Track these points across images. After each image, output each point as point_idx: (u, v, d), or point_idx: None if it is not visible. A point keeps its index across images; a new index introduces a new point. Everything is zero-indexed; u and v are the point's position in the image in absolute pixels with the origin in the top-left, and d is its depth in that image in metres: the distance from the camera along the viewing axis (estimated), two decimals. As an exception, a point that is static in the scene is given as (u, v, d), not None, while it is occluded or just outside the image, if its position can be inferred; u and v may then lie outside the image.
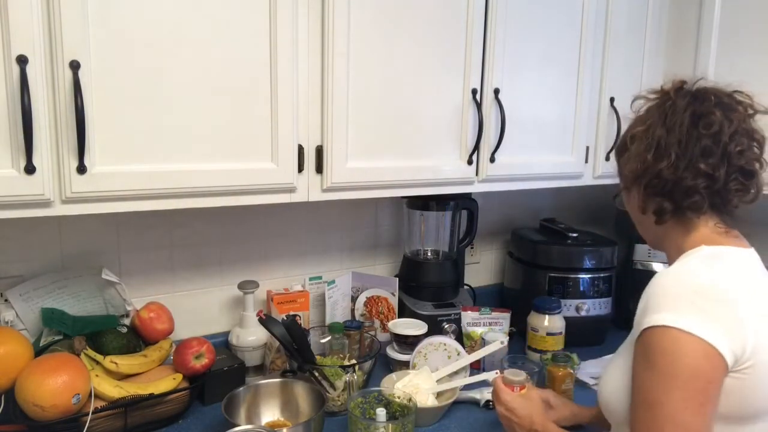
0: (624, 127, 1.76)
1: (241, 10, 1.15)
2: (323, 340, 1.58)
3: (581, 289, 1.83)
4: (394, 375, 1.46)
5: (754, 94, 0.99)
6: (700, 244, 0.96)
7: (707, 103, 0.95)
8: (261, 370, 1.54)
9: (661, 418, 0.85)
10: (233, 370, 1.44)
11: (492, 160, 1.56)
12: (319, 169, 1.31)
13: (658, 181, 0.96)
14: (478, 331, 1.70)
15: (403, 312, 1.77)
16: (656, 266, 1.95)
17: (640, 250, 1.97)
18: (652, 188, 0.98)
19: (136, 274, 1.49)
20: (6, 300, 1.30)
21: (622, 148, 1.07)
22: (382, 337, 1.71)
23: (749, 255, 0.98)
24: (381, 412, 1.22)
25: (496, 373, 1.45)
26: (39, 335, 1.31)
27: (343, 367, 1.38)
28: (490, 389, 1.44)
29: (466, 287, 1.98)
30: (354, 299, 1.79)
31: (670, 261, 1.03)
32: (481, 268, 2.17)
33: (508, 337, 1.53)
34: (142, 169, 1.09)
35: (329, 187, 1.32)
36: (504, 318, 1.72)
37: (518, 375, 1.21)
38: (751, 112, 0.97)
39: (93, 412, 1.15)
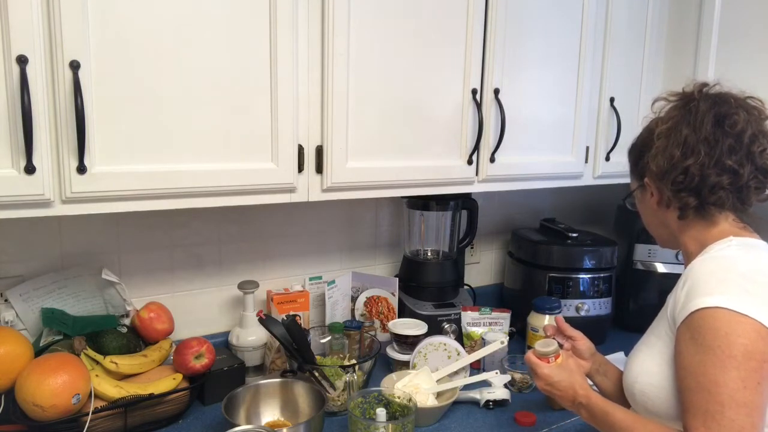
0: (624, 128, 1.78)
1: (241, 10, 1.15)
2: (323, 340, 1.58)
3: (581, 289, 1.82)
4: (394, 375, 1.46)
5: (764, 100, 1.04)
6: (727, 236, 1.00)
7: (728, 105, 1.01)
8: (261, 370, 1.55)
9: (720, 398, 0.85)
10: (233, 370, 1.44)
11: (492, 160, 1.56)
12: (319, 169, 1.31)
13: (685, 177, 1.00)
14: (478, 331, 1.70)
15: (403, 312, 1.77)
16: (657, 266, 1.95)
17: (640, 250, 1.97)
18: (678, 184, 1.01)
19: (136, 274, 1.49)
20: (6, 300, 1.30)
21: (643, 146, 1.10)
22: (382, 337, 1.71)
23: None
24: (381, 412, 1.22)
25: (498, 371, 1.46)
26: (39, 335, 1.31)
27: (343, 367, 1.38)
28: (491, 389, 1.45)
29: (466, 287, 1.98)
30: (354, 299, 1.79)
31: (687, 255, 1.07)
32: (481, 268, 2.17)
33: (508, 337, 1.53)
34: (142, 169, 1.09)
35: (329, 187, 1.32)
36: (504, 318, 1.72)
37: (549, 345, 1.15)
38: (763, 117, 1.02)
39: (93, 412, 1.15)
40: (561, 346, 1.21)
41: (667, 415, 0.97)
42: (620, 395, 1.16)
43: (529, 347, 1.68)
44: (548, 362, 1.13)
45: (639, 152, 1.11)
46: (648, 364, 1.02)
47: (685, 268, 1.05)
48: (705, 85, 1.05)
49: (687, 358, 0.91)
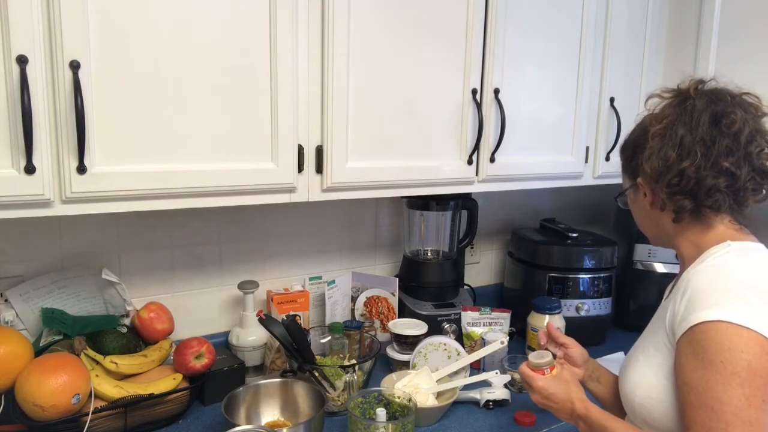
0: (624, 128, 1.78)
1: (241, 10, 1.15)
2: (323, 340, 1.58)
3: (581, 289, 1.83)
4: (394, 375, 1.46)
5: (761, 96, 1.00)
6: (724, 240, 0.97)
7: (724, 102, 0.97)
8: (261, 370, 1.55)
9: (724, 416, 0.82)
10: (233, 370, 1.44)
11: (492, 160, 1.56)
12: (319, 169, 1.31)
13: (680, 179, 0.97)
14: (478, 331, 1.70)
15: (403, 312, 1.77)
16: (656, 266, 1.95)
17: (640, 250, 1.97)
18: (673, 187, 0.98)
19: (136, 274, 1.49)
20: (6, 300, 1.30)
21: (636, 145, 1.06)
22: (382, 337, 1.71)
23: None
24: (381, 412, 1.22)
25: (498, 371, 1.46)
26: (39, 335, 1.31)
27: (343, 367, 1.38)
28: (491, 389, 1.45)
29: (466, 287, 1.98)
30: (354, 299, 1.79)
31: (683, 258, 1.03)
32: (481, 268, 2.17)
33: (508, 337, 1.53)
34: (142, 169, 1.09)
35: (329, 187, 1.32)
36: (504, 318, 1.72)
37: (544, 357, 1.11)
38: (760, 114, 0.99)
39: (93, 412, 1.15)
40: (554, 356, 1.18)
41: (668, 429, 0.95)
42: (615, 400, 1.14)
43: (529, 347, 1.68)
44: (543, 374, 1.10)
45: (632, 151, 1.07)
46: (647, 376, 0.98)
47: (681, 270, 1.03)
48: (701, 82, 1.01)
49: (688, 373, 0.88)
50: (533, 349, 1.66)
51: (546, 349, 1.21)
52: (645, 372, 0.99)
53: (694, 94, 0.99)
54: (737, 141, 0.95)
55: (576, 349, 1.23)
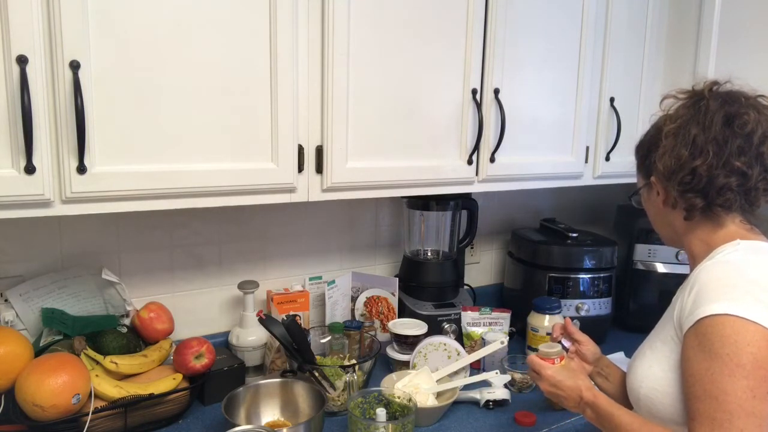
0: (624, 128, 1.78)
1: (241, 10, 1.15)
2: (323, 340, 1.58)
3: (581, 289, 1.83)
4: (394, 375, 1.46)
5: None
6: (734, 239, 0.99)
7: (738, 104, 0.98)
8: (261, 370, 1.55)
9: (728, 407, 0.84)
10: (233, 370, 1.44)
11: (492, 160, 1.56)
12: (319, 169, 1.31)
13: (692, 177, 0.98)
14: (478, 331, 1.70)
15: (403, 312, 1.77)
16: (657, 266, 1.95)
17: (640, 250, 1.97)
18: (686, 185, 0.99)
19: (136, 274, 1.49)
20: (6, 300, 1.30)
21: (651, 144, 1.07)
22: (382, 337, 1.71)
23: None
24: (381, 412, 1.22)
25: (498, 371, 1.46)
26: (39, 335, 1.31)
27: (343, 367, 1.38)
28: (491, 389, 1.45)
29: (466, 287, 1.98)
30: (354, 299, 1.79)
31: (692, 256, 1.05)
32: (481, 268, 2.17)
33: (508, 337, 1.53)
34: (142, 169, 1.09)
35: (329, 187, 1.32)
36: (504, 318, 1.72)
37: (553, 347, 1.14)
38: None
39: (93, 412, 1.15)
40: (566, 349, 1.20)
41: (672, 421, 0.96)
42: (621, 397, 1.15)
43: (530, 347, 1.68)
44: (552, 363, 1.12)
45: (646, 150, 1.09)
46: (654, 369, 1.00)
47: (691, 269, 1.04)
48: (715, 83, 1.03)
49: (694, 365, 0.89)
50: (533, 349, 1.66)
51: (558, 342, 1.22)
52: (652, 365, 1.01)
53: (708, 95, 1.01)
54: (749, 141, 0.96)
55: (589, 346, 1.25)
